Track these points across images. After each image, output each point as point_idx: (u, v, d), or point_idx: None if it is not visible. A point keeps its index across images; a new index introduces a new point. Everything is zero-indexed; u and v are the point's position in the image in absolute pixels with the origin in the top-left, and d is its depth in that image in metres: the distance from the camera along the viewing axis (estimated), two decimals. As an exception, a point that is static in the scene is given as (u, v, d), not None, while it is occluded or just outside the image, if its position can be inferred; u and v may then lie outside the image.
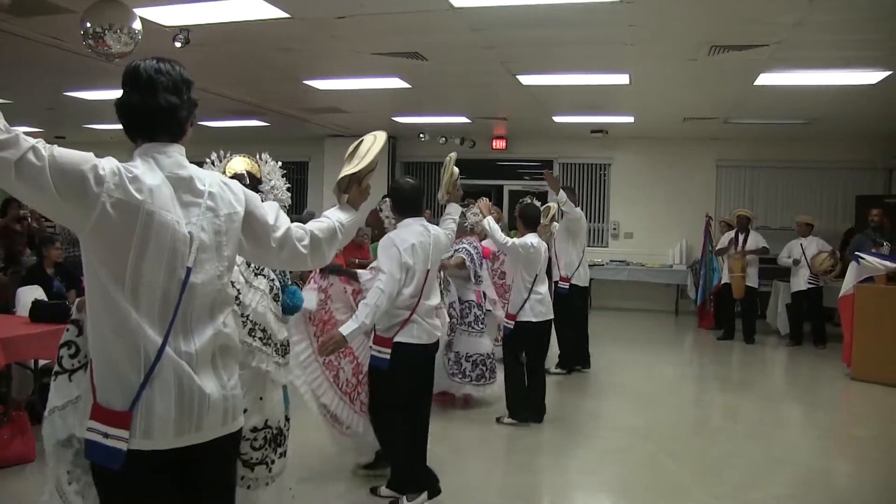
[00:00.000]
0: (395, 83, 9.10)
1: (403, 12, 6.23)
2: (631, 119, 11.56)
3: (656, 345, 10.62)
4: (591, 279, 13.14)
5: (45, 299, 5.92)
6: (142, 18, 5.67)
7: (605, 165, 14.34)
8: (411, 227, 4.29)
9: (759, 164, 13.37)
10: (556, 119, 11.79)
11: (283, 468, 3.42)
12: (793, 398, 7.92)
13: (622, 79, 8.50)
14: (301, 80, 9.05)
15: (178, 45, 6.66)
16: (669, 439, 5.94)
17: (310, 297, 4.49)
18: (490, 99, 10.63)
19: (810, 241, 10.03)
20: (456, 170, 4.66)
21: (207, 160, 3.25)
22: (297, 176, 16.33)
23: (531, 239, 6.00)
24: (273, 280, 3.34)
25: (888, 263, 8.28)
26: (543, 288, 6.11)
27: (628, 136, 13.45)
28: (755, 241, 10.43)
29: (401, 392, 4.23)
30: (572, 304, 7.91)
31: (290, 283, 3.50)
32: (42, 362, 5.28)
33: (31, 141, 1.92)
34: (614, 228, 14.22)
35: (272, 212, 2.47)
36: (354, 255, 11.09)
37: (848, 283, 8.52)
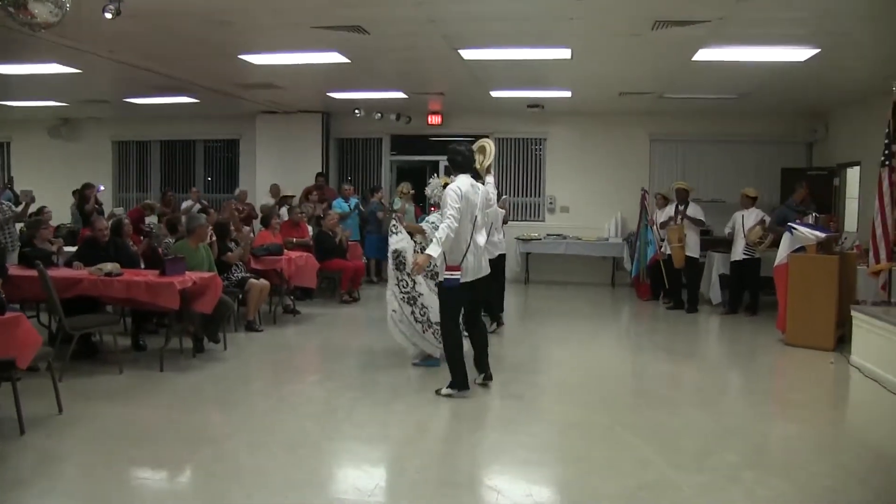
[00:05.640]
0: (334, 58, 8.91)
1: (348, -16, 6.11)
2: (568, 94, 11.62)
3: (596, 317, 10.79)
4: (528, 253, 13.52)
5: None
6: (71, -14, 5.37)
7: (541, 140, 14.44)
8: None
9: (691, 139, 13.72)
10: (494, 94, 11.77)
11: None
12: (734, 366, 8.15)
13: (564, 53, 8.51)
14: (236, 55, 8.78)
15: (108, 15, 6.29)
16: (624, 411, 6.04)
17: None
18: (429, 74, 10.52)
19: (750, 213, 10.30)
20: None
21: (432, 179, 7.29)
22: (227, 154, 15.93)
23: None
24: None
25: (818, 233, 8.56)
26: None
27: (564, 110, 13.55)
28: (693, 212, 10.68)
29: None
30: None
31: None
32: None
33: (450, 224, 5.89)
34: (550, 203, 14.36)
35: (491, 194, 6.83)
36: (292, 234, 10.96)
37: (782, 252, 8.79)
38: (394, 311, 7.21)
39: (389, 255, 7.30)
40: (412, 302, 7.15)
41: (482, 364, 6.50)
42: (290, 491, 4.27)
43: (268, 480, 4.40)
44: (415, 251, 7.19)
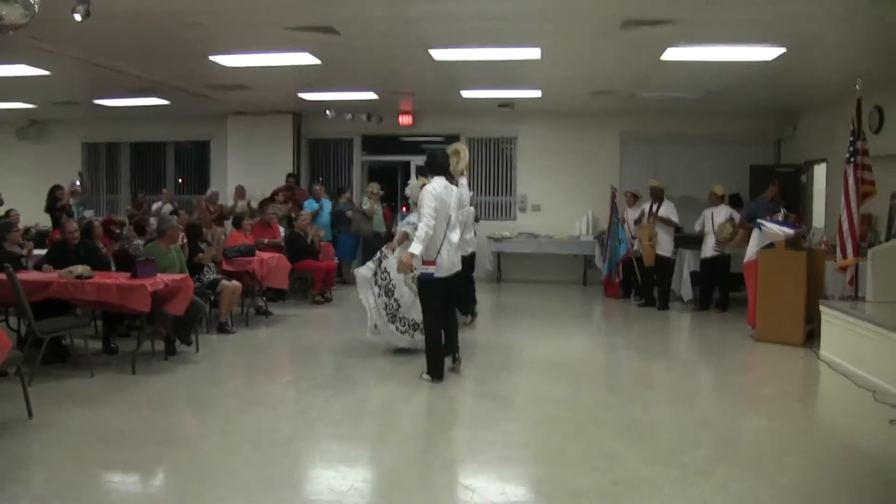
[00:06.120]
0: (305, 58, 8.89)
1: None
2: (538, 93, 11.66)
3: (568, 315, 10.87)
4: (499, 252, 13.57)
5: None
6: (39, -13, 5.29)
7: (512, 139, 14.49)
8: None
9: (661, 137, 13.82)
10: (464, 94, 11.79)
11: None
12: (706, 362, 8.24)
13: (534, 53, 8.55)
14: (207, 56, 8.72)
15: (77, 17, 6.20)
16: (597, 407, 6.08)
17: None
18: (400, 74, 10.53)
19: (720, 211, 10.42)
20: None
21: (412, 181, 8.10)
22: (197, 156, 15.79)
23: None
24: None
25: (787, 230, 8.68)
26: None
27: (535, 110, 13.59)
28: (666, 211, 10.76)
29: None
30: None
31: None
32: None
33: (428, 223, 6.37)
34: (522, 202, 14.41)
35: (464, 196, 7.40)
36: (263, 235, 10.91)
37: (751, 249, 8.89)
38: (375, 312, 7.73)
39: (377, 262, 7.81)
40: (389, 294, 7.64)
41: (451, 347, 6.98)
42: (264, 492, 4.25)
43: (241, 481, 4.38)
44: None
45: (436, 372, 6.70)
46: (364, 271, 7.77)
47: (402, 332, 7.63)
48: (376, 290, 7.65)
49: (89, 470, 4.59)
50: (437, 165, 6.84)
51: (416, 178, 7.84)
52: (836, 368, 7.26)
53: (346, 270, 13.28)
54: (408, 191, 7.96)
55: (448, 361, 6.92)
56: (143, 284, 6.79)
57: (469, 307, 9.53)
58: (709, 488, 4.35)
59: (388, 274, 7.62)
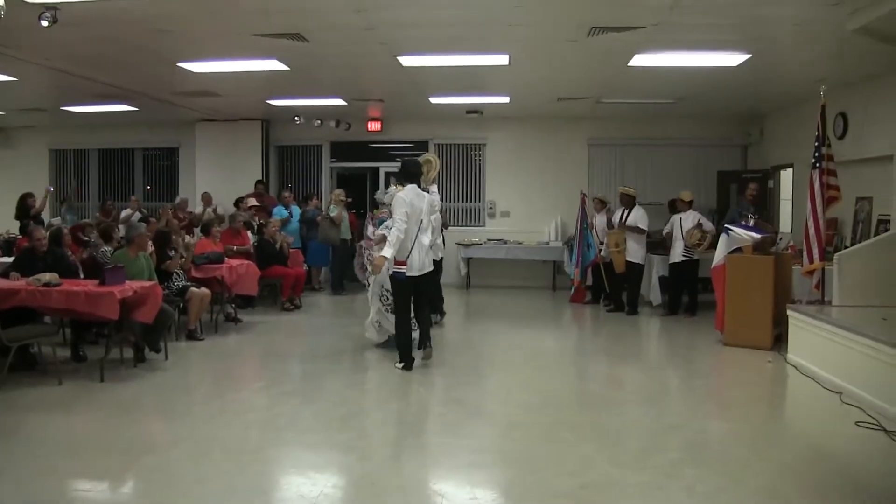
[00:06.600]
0: (273, 65, 8.88)
1: (286, -9, 6.09)
2: (506, 99, 11.74)
3: (538, 321, 10.90)
4: (469, 258, 13.57)
5: None
6: (4, -7, 5.25)
7: (480, 145, 14.54)
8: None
9: (628, 142, 13.95)
10: (433, 100, 11.84)
11: None
12: (675, 365, 8.27)
13: (502, 59, 8.60)
14: (175, 63, 8.66)
15: (44, 23, 6.16)
16: (566, 411, 6.11)
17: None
18: (368, 80, 10.55)
19: (688, 216, 10.48)
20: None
21: (391, 188, 8.50)
22: (166, 162, 15.66)
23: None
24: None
25: (754, 234, 8.76)
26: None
27: (503, 116, 13.70)
28: (634, 219, 10.83)
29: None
30: None
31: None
32: None
33: (399, 227, 6.98)
34: (490, 207, 14.46)
35: (435, 202, 8.43)
36: (233, 242, 10.84)
37: (719, 254, 8.97)
38: (378, 311, 8.25)
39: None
40: (388, 291, 8.10)
41: (424, 339, 7.58)
42: (233, 499, 4.23)
43: (211, 489, 4.35)
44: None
45: (407, 360, 7.31)
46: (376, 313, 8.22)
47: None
48: (382, 289, 8.06)
49: (57, 479, 4.53)
50: (410, 174, 7.44)
51: (395, 185, 8.16)
52: (804, 371, 7.34)
53: (315, 277, 13.26)
54: (387, 198, 8.34)
55: (419, 354, 7.50)
56: (112, 292, 6.72)
57: (439, 308, 9.96)
58: (677, 490, 4.39)
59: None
